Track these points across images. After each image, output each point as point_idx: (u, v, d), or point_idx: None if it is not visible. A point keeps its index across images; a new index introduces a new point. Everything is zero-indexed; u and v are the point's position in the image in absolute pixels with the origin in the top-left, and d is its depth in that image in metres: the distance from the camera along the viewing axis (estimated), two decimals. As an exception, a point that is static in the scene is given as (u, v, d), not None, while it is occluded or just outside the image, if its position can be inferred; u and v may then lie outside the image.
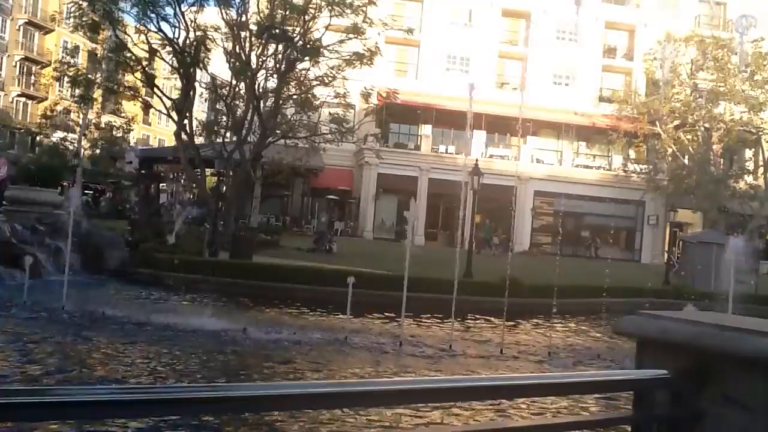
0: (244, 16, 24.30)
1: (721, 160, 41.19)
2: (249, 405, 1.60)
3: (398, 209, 41.12)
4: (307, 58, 24.30)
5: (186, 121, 24.56)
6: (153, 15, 23.54)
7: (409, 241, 13.66)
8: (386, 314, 14.87)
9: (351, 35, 24.59)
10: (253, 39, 23.97)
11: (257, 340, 11.44)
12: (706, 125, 39.62)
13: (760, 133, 38.90)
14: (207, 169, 28.58)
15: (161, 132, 69.09)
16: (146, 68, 24.87)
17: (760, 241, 38.96)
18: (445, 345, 12.26)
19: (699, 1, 47.26)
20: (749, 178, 40.73)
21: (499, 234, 36.44)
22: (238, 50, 23.93)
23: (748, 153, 42.70)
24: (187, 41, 23.99)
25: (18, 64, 55.71)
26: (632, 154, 43.38)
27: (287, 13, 23.84)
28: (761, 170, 40.03)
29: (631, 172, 41.90)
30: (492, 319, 15.73)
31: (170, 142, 53.81)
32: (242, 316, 13.13)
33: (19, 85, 55.79)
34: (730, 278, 23.35)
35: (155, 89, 24.99)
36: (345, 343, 11.64)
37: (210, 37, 24.56)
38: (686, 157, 40.33)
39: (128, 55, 24.33)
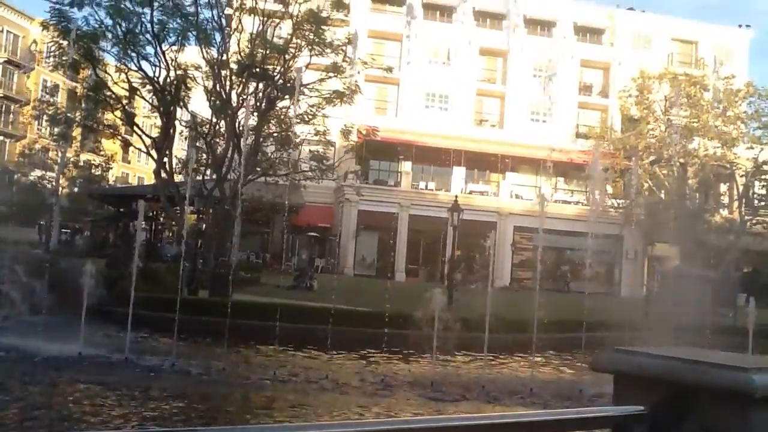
0: (224, 55, 24.47)
1: (697, 194, 41.83)
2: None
3: (379, 246, 41.18)
4: (287, 96, 24.47)
5: (166, 159, 24.51)
6: (133, 54, 23.62)
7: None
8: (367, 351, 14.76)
9: (331, 74, 24.84)
10: (233, 78, 24.11)
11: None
12: (681, 160, 40.31)
13: (734, 168, 39.63)
14: (186, 207, 28.43)
15: (141, 170, 68.88)
16: (126, 107, 24.85)
17: (736, 273, 39.40)
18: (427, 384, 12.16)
19: (671, 39, 48.51)
20: (725, 212, 41.36)
21: (462, 269, 36.31)
22: (218, 89, 24.03)
23: (723, 187, 43.45)
24: (168, 80, 24.06)
25: (-4, 102, 55.53)
26: (609, 189, 43.91)
27: (267, 52, 24.05)
28: (736, 204, 40.68)
29: (608, 207, 42.36)
30: (473, 354, 15.67)
31: (150, 179, 53.67)
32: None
33: (-3, 123, 55.52)
34: (707, 311, 23.59)
35: (135, 127, 24.96)
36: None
37: (190, 75, 24.66)
38: (663, 191, 40.92)
39: (108, 93, 24.32)
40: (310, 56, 24.27)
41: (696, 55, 47.92)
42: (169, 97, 24.02)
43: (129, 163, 67.56)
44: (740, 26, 50.20)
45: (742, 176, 39.88)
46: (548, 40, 47.03)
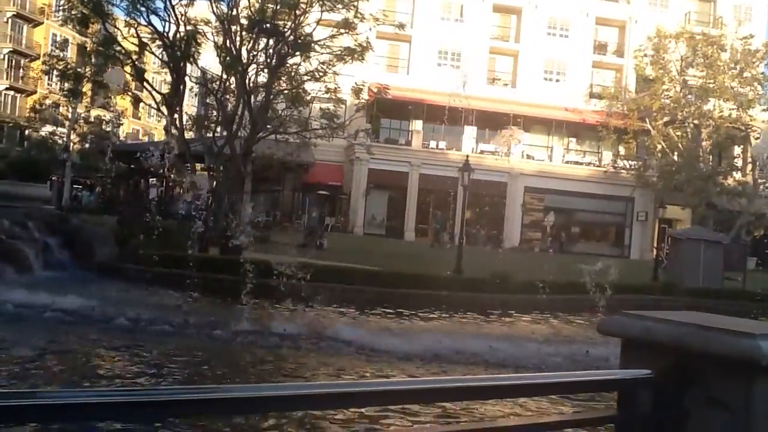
0: (234, 10, 24.18)
1: (710, 156, 41.44)
2: (243, 406, 1.61)
3: (389, 205, 41.20)
4: (298, 53, 24.23)
5: (176, 116, 24.45)
6: (143, 8, 23.37)
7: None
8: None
9: (342, 30, 24.53)
10: (243, 33, 23.85)
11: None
12: (696, 122, 39.84)
13: (749, 131, 39.16)
14: (197, 164, 28.47)
15: (151, 126, 68.79)
16: (136, 62, 24.69)
17: (747, 237, 39.25)
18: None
19: (689, -3, 47.49)
20: (737, 175, 41.02)
21: (449, 228, 36.35)
22: (228, 45, 23.80)
23: (737, 150, 42.99)
24: (178, 35, 23.84)
25: (6, 57, 55.29)
26: (622, 150, 43.58)
27: (278, 7, 23.75)
28: (749, 167, 40.31)
29: (620, 169, 42.09)
30: (479, 315, 15.80)
31: (160, 136, 53.63)
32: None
33: (7, 78, 55.38)
34: (718, 274, 23.60)
35: (145, 83, 24.83)
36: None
37: (200, 31, 24.42)
38: (675, 153, 40.55)
39: (118, 48, 24.17)
40: (321, 12, 23.95)
41: (714, 14, 46.90)
42: (179, 52, 23.84)
43: (139, 119, 67.45)
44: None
45: (756, 138, 39.41)
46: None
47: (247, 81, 24.07)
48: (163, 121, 25.70)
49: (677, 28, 41.26)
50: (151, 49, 25.25)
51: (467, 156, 24.29)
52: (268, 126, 25.23)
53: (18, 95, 56.24)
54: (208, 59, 28.74)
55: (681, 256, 24.45)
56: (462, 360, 10.83)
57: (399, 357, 10.69)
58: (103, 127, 45.38)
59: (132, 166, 43.99)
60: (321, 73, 24.96)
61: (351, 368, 9.98)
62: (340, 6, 23.83)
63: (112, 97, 35.32)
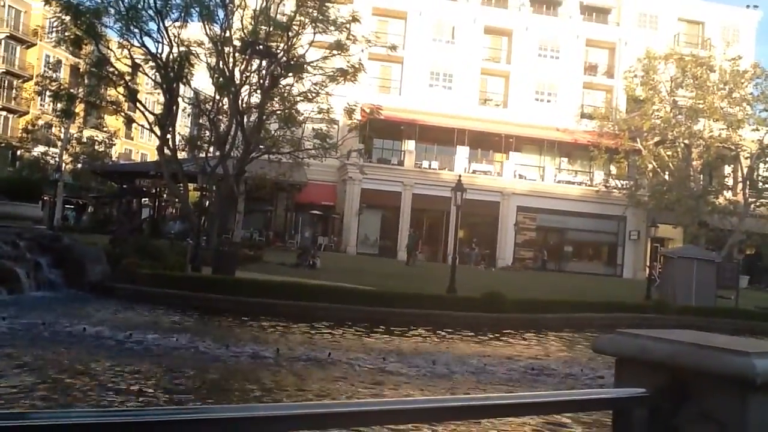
0: (228, 31, 24.34)
1: (701, 176, 41.71)
2: (236, 427, 1.60)
3: (382, 224, 41.24)
4: (290, 74, 24.37)
5: (169, 136, 24.49)
6: (136, 30, 23.51)
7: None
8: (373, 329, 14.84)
9: (335, 52, 24.71)
10: (236, 54, 24.01)
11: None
12: (686, 142, 40.15)
13: (738, 150, 39.46)
14: (190, 184, 28.47)
15: (144, 147, 68.79)
16: (129, 83, 24.79)
17: (739, 255, 39.40)
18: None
19: (678, 19, 48.09)
20: (728, 194, 41.27)
21: (419, 248, 36.49)
22: (221, 65, 23.94)
23: (728, 169, 43.30)
24: (171, 56, 23.96)
25: (-1, 77, 55.36)
26: (613, 170, 43.83)
27: (271, 29, 23.92)
28: (740, 186, 40.58)
29: (612, 188, 42.30)
30: (474, 333, 15.76)
31: (153, 156, 53.61)
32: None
33: (0, 98, 55.39)
34: (710, 292, 23.65)
35: (138, 104, 24.89)
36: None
37: (194, 52, 24.56)
38: (666, 173, 40.80)
39: (111, 69, 24.26)
40: (314, 34, 24.13)
41: (702, 36, 47.52)
42: (172, 73, 23.94)
43: (132, 139, 67.46)
44: (747, 7, 49.70)
45: (746, 158, 39.72)
46: (554, 19, 46.67)
47: (240, 101, 24.18)
48: (156, 141, 25.70)
49: (666, 49, 41.75)
50: (144, 70, 25.37)
51: (460, 176, 24.36)
52: (261, 146, 25.30)
53: (11, 116, 56.20)
54: (201, 80, 28.86)
55: (673, 274, 24.52)
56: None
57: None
58: (96, 147, 45.34)
59: (124, 185, 43.98)
60: (314, 94, 25.11)
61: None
62: (332, 28, 24.02)
63: (105, 117, 35.42)
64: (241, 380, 10.00)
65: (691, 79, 39.62)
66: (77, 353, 10.67)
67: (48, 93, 28.25)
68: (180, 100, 26.02)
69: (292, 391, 9.33)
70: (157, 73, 24.92)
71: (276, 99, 25.60)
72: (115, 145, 51.62)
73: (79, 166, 45.48)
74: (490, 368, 11.66)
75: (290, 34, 23.85)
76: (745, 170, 39.69)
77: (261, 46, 23.67)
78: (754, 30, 49.47)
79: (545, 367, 12.02)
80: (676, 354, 2.26)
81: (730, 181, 42.97)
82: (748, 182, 39.70)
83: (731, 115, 38.85)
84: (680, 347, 2.28)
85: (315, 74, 24.95)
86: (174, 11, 23.71)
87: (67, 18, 23.08)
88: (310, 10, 23.71)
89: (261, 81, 24.41)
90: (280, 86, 25.30)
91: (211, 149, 26.02)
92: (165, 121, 24.41)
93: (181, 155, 28.53)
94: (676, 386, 2.25)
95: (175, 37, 23.75)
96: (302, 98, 25.32)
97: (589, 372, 11.67)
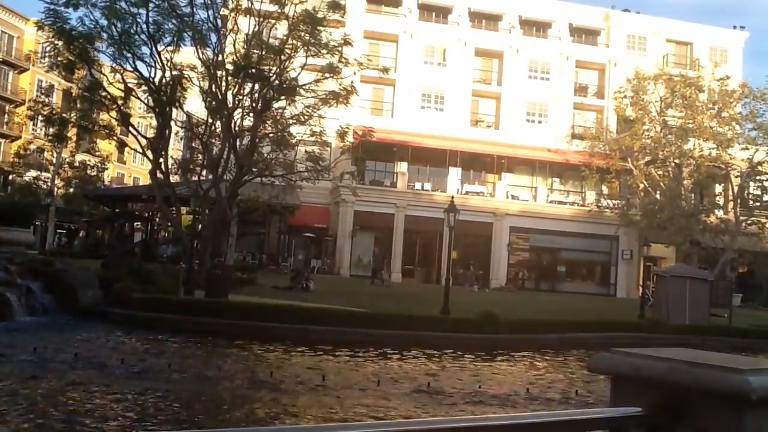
0: (220, 55, 24.45)
1: (692, 195, 41.91)
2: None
3: (375, 246, 41.19)
4: (283, 97, 24.46)
5: (161, 160, 24.48)
6: (129, 54, 23.56)
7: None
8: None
9: (327, 75, 24.83)
10: (229, 78, 24.09)
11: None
12: (677, 161, 40.39)
13: (729, 169, 39.72)
14: (182, 208, 28.42)
15: (136, 170, 68.78)
16: (122, 107, 24.80)
17: (732, 273, 39.51)
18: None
19: (666, 40, 48.64)
20: (720, 213, 41.47)
21: (385, 266, 36.38)
22: (214, 89, 24.00)
23: (718, 188, 43.55)
24: (163, 80, 24.02)
25: (-9, 103, 55.38)
26: (605, 189, 44.02)
27: (263, 53, 24.05)
28: (731, 205, 40.79)
29: (604, 208, 42.45)
30: (467, 355, 15.70)
31: (145, 180, 53.56)
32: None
33: (-8, 123, 55.39)
34: (704, 311, 23.67)
35: (130, 128, 24.90)
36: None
37: (186, 76, 24.63)
38: (658, 192, 41.01)
39: (103, 94, 24.29)
40: (306, 57, 24.26)
41: (691, 56, 48.04)
42: (164, 97, 23.99)
43: (124, 163, 67.42)
44: (735, 27, 50.33)
45: (737, 177, 39.98)
46: (544, 40, 47.12)
47: (232, 125, 24.22)
48: (149, 165, 25.68)
49: (655, 69, 42.17)
50: (136, 94, 25.41)
51: (452, 197, 24.43)
52: (254, 169, 25.31)
53: (3, 140, 56.15)
54: (194, 104, 28.94)
55: (667, 293, 24.54)
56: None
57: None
58: (88, 171, 45.26)
59: (116, 209, 43.85)
60: (306, 117, 25.19)
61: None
62: (324, 51, 24.16)
63: (97, 141, 35.36)
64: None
65: (681, 99, 39.97)
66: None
67: (40, 117, 28.23)
68: (172, 123, 26.02)
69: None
70: (149, 97, 24.95)
71: (269, 122, 25.66)
72: (107, 169, 51.57)
73: (71, 190, 45.38)
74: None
75: (282, 57, 23.96)
76: (736, 189, 39.92)
77: (253, 70, 23.77)
78: (741, 50, 50.03)
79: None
80: (671, 372, 2.27)
81: (721, 200, 43.18)
82: (738, 200, 39.92)
83: (721, 134, 39.15)
84: (675, 365, 2.29)
85: (307, 97, 25.04)
86: (166, 36, 23.83)
87: (60, 43, 23.14)
88: (302, 34, 23.85)
89: (253, 104, 24.48)
90: (273, 109, 25.38)
91: (204, 172, 25.99)
92: (157, 144, 24.41)
93: (174, 179, 28.48)
94: (672, 404, 2.25)
95: (167, 61, 23.84)
96: (295, 121, 25.39)
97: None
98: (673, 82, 40.26)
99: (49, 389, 9.97)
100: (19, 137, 52.14)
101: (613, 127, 44.70)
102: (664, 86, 40.91)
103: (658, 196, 40.88)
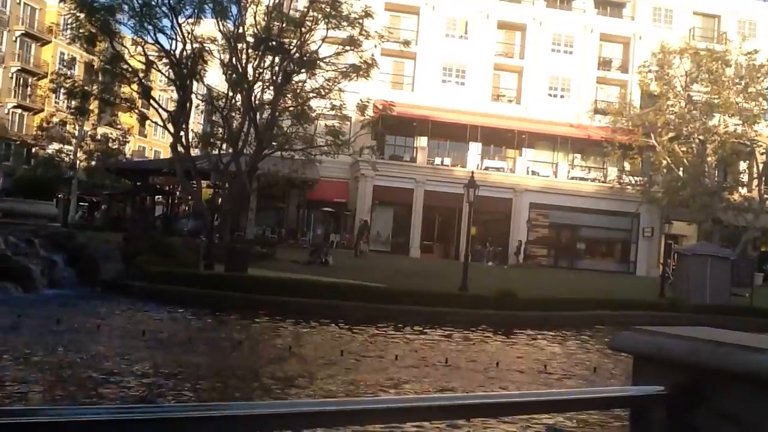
0: (241, 28, 24.35)
1: (716, 172, 41.35)
2: (249, 424, 1.58)
3: (394, 221, 41.21)
4: (303, 70, 24.35)
5: (182, 133, 24.56)
6: (150, 27, 23.56)
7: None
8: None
9: (347, 48, 24.66)
10: (249, 51, 24.01)
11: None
12: (701, 137, 39.81)
13: (754, 146, 39.08)
14: (203, 182, 28.54)
15: (157, 144, 69.18)
16: (143, 80, 24.84)
17: (754, 252, 39.07)
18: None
19: (693, 13, 47.63)
20: (743, 190, 40.90)
21: (365, 238, 36.09)
22: (234, 62, 23.95)
23: (743, 165, 42.90)
24: (184, 53, 24.01)
25: (14, 75, 55.80)
26: (627, 166, 43.53)
27: (284, 25, 23.91)
28: (755, 182, 40.19)
29: (626, 185, 42.03)
30: (487, 332, 15.71)
31: (166, 154, 53.85)
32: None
33: (15, 96, 55.86)
34: (725, 290, 23.44)
35: (151, 101, 24.96)
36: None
37: (207, 48, 24.58)
38: (681, 169, 40.49)
39: (125, 66, 24.34)
40: (327, 29, 24.09)
41: (718, 30, 47.02)
42: (185, 70, 23.99)
43: (146, 136, 67.79)
44: (764, 0, 49.17)
45: (762, 154, 39.33)
46: (568, 13, 46.34)
47: (252, 98, 24.19)
48: (170, 139, 25.77)
49: (681, 43, 41.35)
50: (157, 66, 25.42)
51: (472, 172, 24.28)
52: (274, 143, 25.31)
53: (25, 113, 56.65)
54: (214, 77, 28.90)
55: (687, 272, 24.32)
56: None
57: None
58: (110, 144, 45.57)
59: (138, 183, 44.21)
60: (326, 90, 25.07)
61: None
62: (345, 24, 23.96)
63: (119, 114, 35.53)
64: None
65: (707, 74, 39.25)
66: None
67: (62, 90, 28.39)
68: (193, 97, 26.05)
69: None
70: (170, 70, 24.98)
71: (289, 95, 25.58)
72: (128, 142, 51.87)
73: (93, 163, 45.75)
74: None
75: (303, 29, 23.82)
76: (761, 166, 39.31)
77: (274, 42, 23.66)
78: (771, 24, 48.88)
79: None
80: (695, 352, 2.23)
81: (745, 177, 42.53)
82: (763, 178, 39.32)
83: (747, 110, 38.47)
84: (698, 345, 2.25)
85: (328, 70, 24.91)
86: (187, 8, 23.77)
87: (82, 15, 23.16)
88: (323, 6, 23.67)
89: (274, 77, 24.40)
90: (293, 83, 25.28)
91: (224, 146, 26.04)
92: (178, 118, 24.47)
93: (194, 152, 28.57)
94: (695, 384, 2.22)
95: (188, 33, 23.79)
96: (315, 94, 25.29)
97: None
98: (699, 57, 39.51)
99: (71, 361, 10.14)
100: (42, 110, 52.54)
101: (636, 103, 44.03)
102: (689, 60, 40.15)
103: (681, 173, 40.38)
